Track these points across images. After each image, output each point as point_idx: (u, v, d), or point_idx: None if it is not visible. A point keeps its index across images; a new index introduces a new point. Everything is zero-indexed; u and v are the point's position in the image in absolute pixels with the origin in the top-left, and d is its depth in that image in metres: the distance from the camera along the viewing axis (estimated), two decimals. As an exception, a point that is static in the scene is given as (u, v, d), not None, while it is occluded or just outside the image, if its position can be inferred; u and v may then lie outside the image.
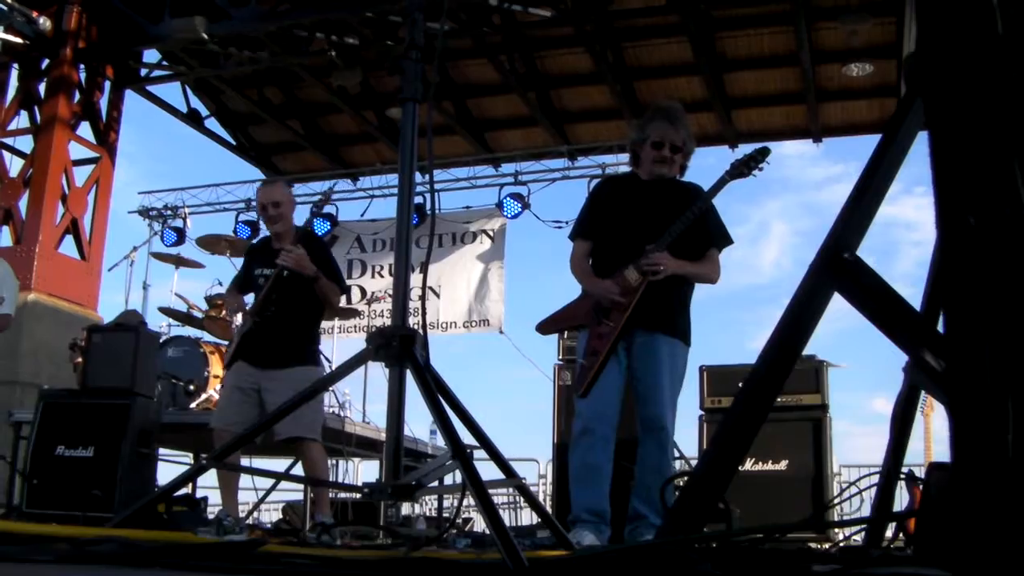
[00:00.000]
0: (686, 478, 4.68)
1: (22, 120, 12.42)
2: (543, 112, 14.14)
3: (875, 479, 3.79)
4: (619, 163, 13.31)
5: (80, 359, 8.94)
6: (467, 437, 3.60)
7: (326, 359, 10.48)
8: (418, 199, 12.37)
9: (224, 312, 8.71)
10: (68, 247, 12.18)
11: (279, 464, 6.68)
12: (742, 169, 5.25)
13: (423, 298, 5.85)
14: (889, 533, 3.93)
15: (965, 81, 1.95)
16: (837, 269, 2.41)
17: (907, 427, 3.62)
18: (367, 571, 2.74)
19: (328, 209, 14.93)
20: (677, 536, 2.38)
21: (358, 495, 8.77)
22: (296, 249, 6.44)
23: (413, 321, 7.21)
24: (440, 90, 13.85)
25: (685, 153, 5.46)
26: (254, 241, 7.35)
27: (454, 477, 3.50)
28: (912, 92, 2.40)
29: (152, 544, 2.53)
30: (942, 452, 10.25)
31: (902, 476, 4.06)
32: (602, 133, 14.37)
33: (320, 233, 14.63)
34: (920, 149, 2.44)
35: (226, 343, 7.95)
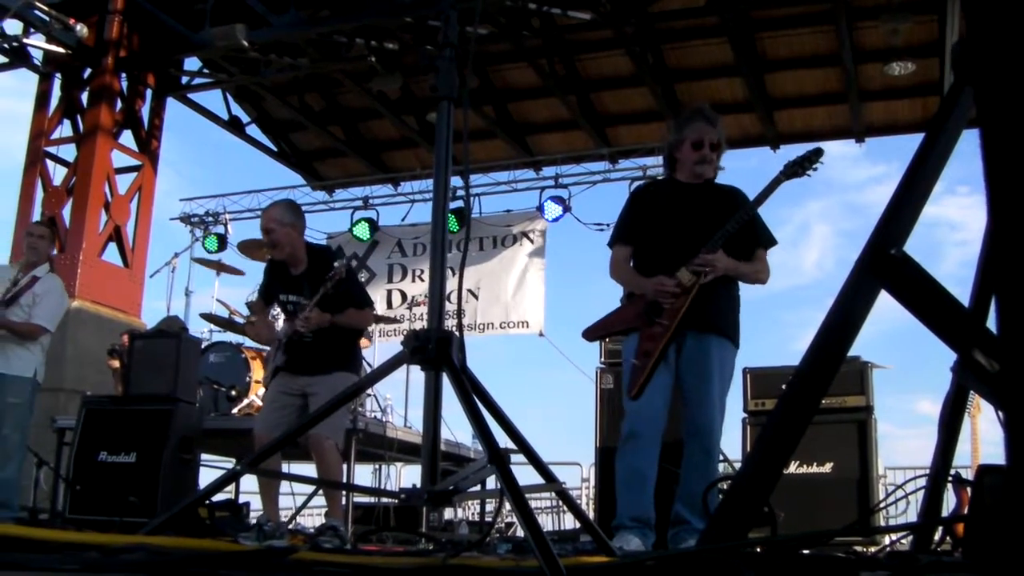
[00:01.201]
0: (730, 482, 4.61)
1: (65, 129, 12.54)
2: (584, 115, 14.08)
3: (922, 482, 3.70)
4: (660, 165, 13.13)
5: (117, 363, 8.98)
6: (506, 441, 3.55)
7: (368, 365, 10.50)
8: (460, 203, 12.35)
9: (253, 335, 8.60)
10: (111, 254, 12.28)
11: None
12: (796, 169, 5.18)
13: (459, 300, 5.79)
14: (935, 537, 3.84)
15: (1020, 66, 1.87)
16: (884, 265, 2.32)
17: (955, 429, 3.52)
18: (402, 579, 2.69)
19: (369, 214, 14.95)
20: (720, 542, 2.32)
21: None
22: (308, 315, 6.37)
23: (453, 324, 7.18)
24: (481, 94, 13.86)
25: (720, 153, 5.39)
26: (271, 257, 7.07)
27: (496, 482, 3.44)
28: (961, 80, 2.32)
29: (182, 552, 2.50)
30: (990, 454, 10.12)
31: (950, 479, 3.97)
32: (643, 135, 14.28)
33: (364, 240, 14.66)
34: (963, 149, 2.37)
35: (266, 349, 7.95)
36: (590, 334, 5.58)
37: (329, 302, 6.43)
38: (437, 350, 3.12)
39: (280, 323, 7.29)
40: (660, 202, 5.43)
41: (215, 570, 2.36)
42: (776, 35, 12.35)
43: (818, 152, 5.21)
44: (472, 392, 3.10)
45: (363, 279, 14.06)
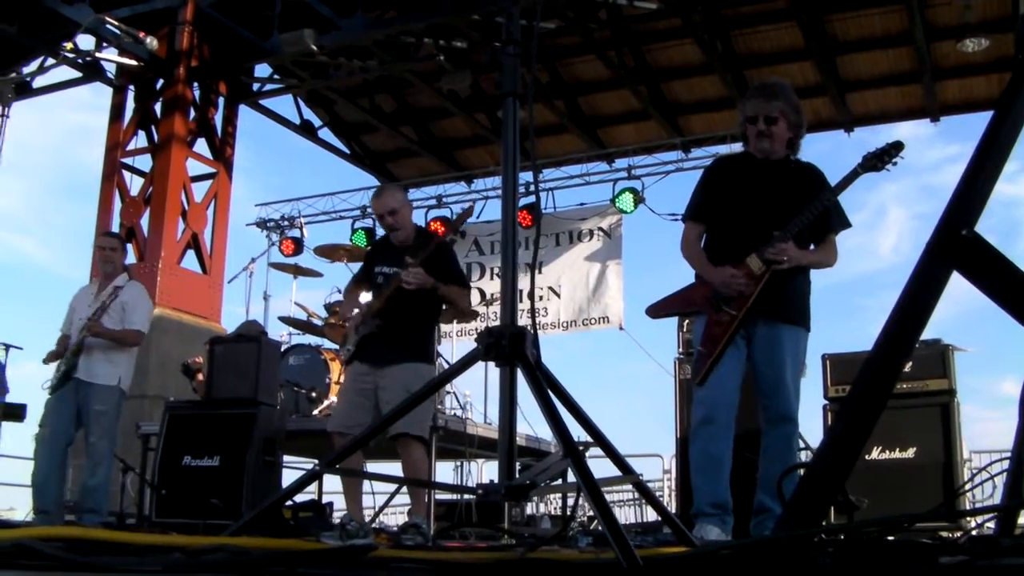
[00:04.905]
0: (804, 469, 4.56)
1: (140, 140, 12.78)
2: (655, 105, 14.04)
3: (1006, 464, 3.63)
4: (733, 153, 13.11)
5: (197, 377, 9.07)
6: (583, 435, 3.54)
7: (446, 361, 10.53)
8: (533, 199, 12.33)
9: (338, 315, 8.66)
10: (190, 262, 12.47)
11: (399, 468, 6.61)
12: (875, 163, 5.08)
13: (532, 295, 5.77)
14: (1021, 520, 3.76)
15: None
16: (955, 246, 2.28)
17: (1037, 408, 3.44)
18: (479, 573, 2.70)
19: (443, 212, 14.90)
20: (796, 529, 2.29)
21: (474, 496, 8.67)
22: (416, 270, 6.34)
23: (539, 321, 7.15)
24: (551, 88, 13.87)
25: (790, 124, 5.26)
26: (376, 239, 7.21)
27: (574, 475, 3.43)
28: (1025, 55, 2.27)
29: (262, 551, 2.52)
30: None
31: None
32: (715, 123, 14.21)
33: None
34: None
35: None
36: (653, 311, 5.50)
37: (431, 270, 6.45)
38: (511, 346, 3.11)
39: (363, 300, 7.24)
40: (735, 180, 5.34)
41: (295, 569, 2.38)
42: (846, 16, 12.22)
43: (898, 146, 5.08)
44: (547, 387, 3.09)
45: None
